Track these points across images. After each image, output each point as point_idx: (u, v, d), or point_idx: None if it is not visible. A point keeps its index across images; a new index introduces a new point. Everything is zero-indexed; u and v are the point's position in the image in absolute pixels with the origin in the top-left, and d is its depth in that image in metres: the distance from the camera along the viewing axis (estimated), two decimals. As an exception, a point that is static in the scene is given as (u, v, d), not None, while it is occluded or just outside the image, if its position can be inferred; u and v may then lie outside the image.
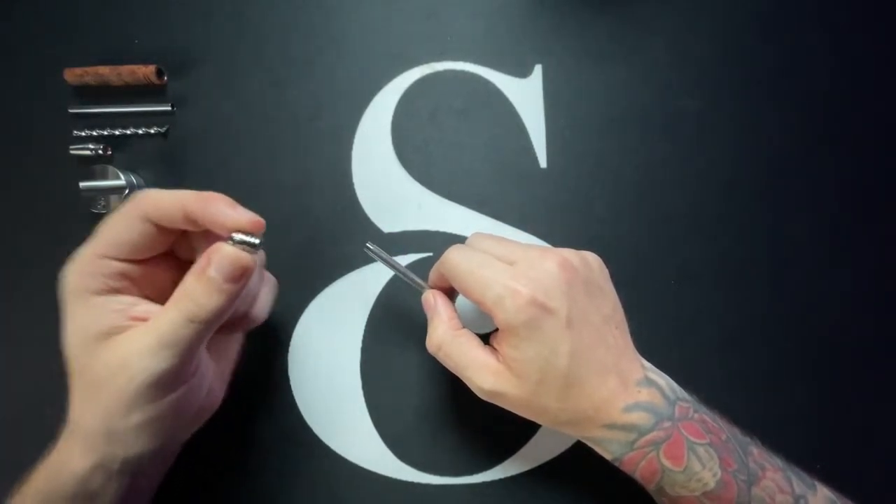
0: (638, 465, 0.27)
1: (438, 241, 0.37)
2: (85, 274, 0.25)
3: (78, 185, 0.35)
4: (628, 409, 0.27)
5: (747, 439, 0.29)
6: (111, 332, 0.25)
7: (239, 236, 0.25)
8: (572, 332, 0.27)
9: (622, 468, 0.28)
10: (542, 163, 0.37)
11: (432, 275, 0.32)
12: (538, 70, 0.38)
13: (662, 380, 0.29)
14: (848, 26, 0.38)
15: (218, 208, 0.25)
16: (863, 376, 0.36)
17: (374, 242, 0.31)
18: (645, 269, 0.36)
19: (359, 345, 0.36)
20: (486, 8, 0.38)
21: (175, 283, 0.26)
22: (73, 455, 0.25)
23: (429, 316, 0.31)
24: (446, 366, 0.30)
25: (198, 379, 0.28)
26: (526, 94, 0.38)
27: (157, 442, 0.26)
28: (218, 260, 0.25)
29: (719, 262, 0.36)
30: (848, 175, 0.37)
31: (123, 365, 0.24)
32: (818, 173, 0.37)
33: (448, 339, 0.29)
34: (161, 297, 0.27)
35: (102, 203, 0.36)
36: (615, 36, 0.38)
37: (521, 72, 0.38)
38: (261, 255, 0.28)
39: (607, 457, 0.28)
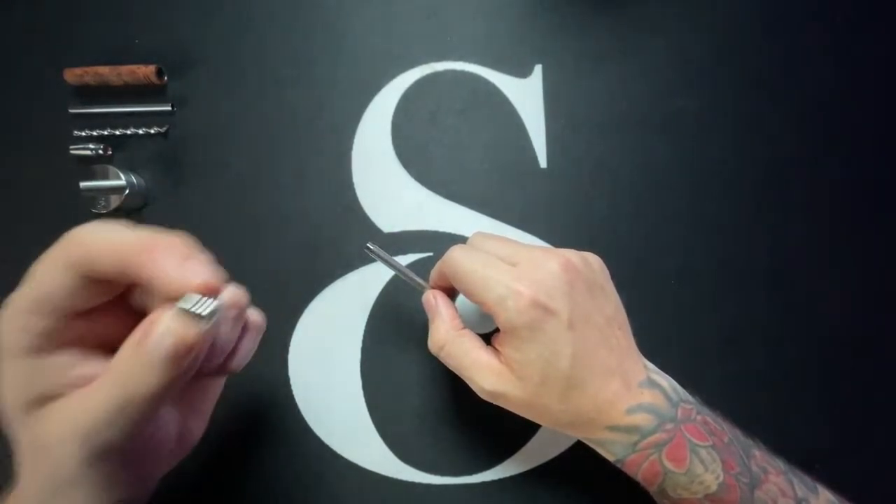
0: (640, 467, 0.27)
1: (438, 241, 0.37)
2: (13, 331, 0.21)
3: (78, 185, 0.35)
4: (631, 410, 0.27)
5: (749, 441, 0.29)
6: (47, 398, 0.21)
7: (190, 300, 0.20)
8: (574, 334, 0.27)
9: (624, 469, 0.28)
10: (542, 163, 0.37)
11: (434, 274, 0.32)
12: (538, 70, 0.38)
13: (665, 381, 0.29)
14: (848, 26, 0.38)
15: (163, 265, 0.20)
16: (863, 376, 0.36)
17: (374, 242, 0.31)
18: (645, 269, 0.36)
19: (359, 345, 0.36)
20: (486, 8, 0.38)
21: (128, 332, 0.21)
22: None
23: (430, 316, 0.31)
24: (448, 366, 0.30)
25: (160, 432, 0.25)
26: (526, 94, 0.38)
27: (118, 496, 0.23)
28: (157, 334, 0.20)
29: (719, 262, 0.36)
30: (848, 175, 0.37)
31: (62, 438, 0.21)
32: (818, 173, 0.37)
33: (450, 339, 0.29)
34: (113, 346, 0.22)
35: (102, 203, 0.36)
36: (615, 36, 0.38)
37: (521, 72, 0.38)
38: (239, 297, 0.24)
39: (609, 458, 0.28)
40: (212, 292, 0.21)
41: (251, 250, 0.36)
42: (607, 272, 0.30)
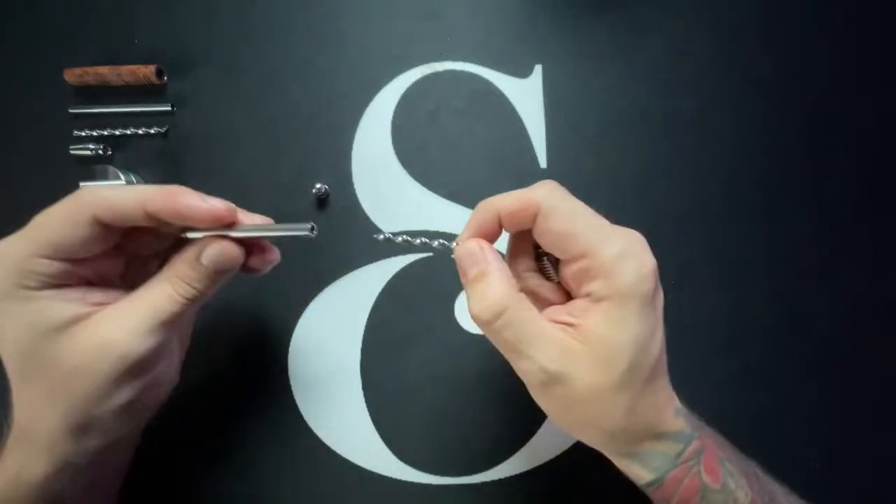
0: (681, 485, 0.23)
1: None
2: (18, 274, 0.23)
3: (78, 185, 0.35)
4: (678, 412, 0.23)
5: (752, 461, 0.27)
6: (72, 321, 0.23)
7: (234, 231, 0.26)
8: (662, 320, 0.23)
9: (657, 493, 0.24)
10: (542, 163, 0.37)
11: (480, 223, 0.25)
12: (538, 70, 0.38)
13: None
14: (848, 26, 0.38)
15: (187, 202, 0.24)
16: (863, 376, 0.36)
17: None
18: (645, 269, 0.36)
19: (359, 344, 0.36)
20: (486, 8, 0.38)
21: (119, 275, 0.27)
22: (29, 464, 0.24)
23: (472, 273, 0.23)
24: (498, 339, 0.23)
25: (171, 354, 0.28)
26: (526, 94, 0.38)
27: (134, 422, 0.26)
28: (212, 251, 0.25)
29: (719, 262, 0.36)
30: (848, 175, 0.37)
31: (106, 347, 0.23)
32: (818, 173, 0.37)
33: (513, 301, 0.22)
34: (106, 286, 0.26)
35: (102, 203, 0.36)
36: (615, 36, 0.38)
37: (521, 72, 0.38)
38: (265, 219, 0.28)
39: (646, 478, 0.23)
40: (232, 216, 0.25)
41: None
42: None
